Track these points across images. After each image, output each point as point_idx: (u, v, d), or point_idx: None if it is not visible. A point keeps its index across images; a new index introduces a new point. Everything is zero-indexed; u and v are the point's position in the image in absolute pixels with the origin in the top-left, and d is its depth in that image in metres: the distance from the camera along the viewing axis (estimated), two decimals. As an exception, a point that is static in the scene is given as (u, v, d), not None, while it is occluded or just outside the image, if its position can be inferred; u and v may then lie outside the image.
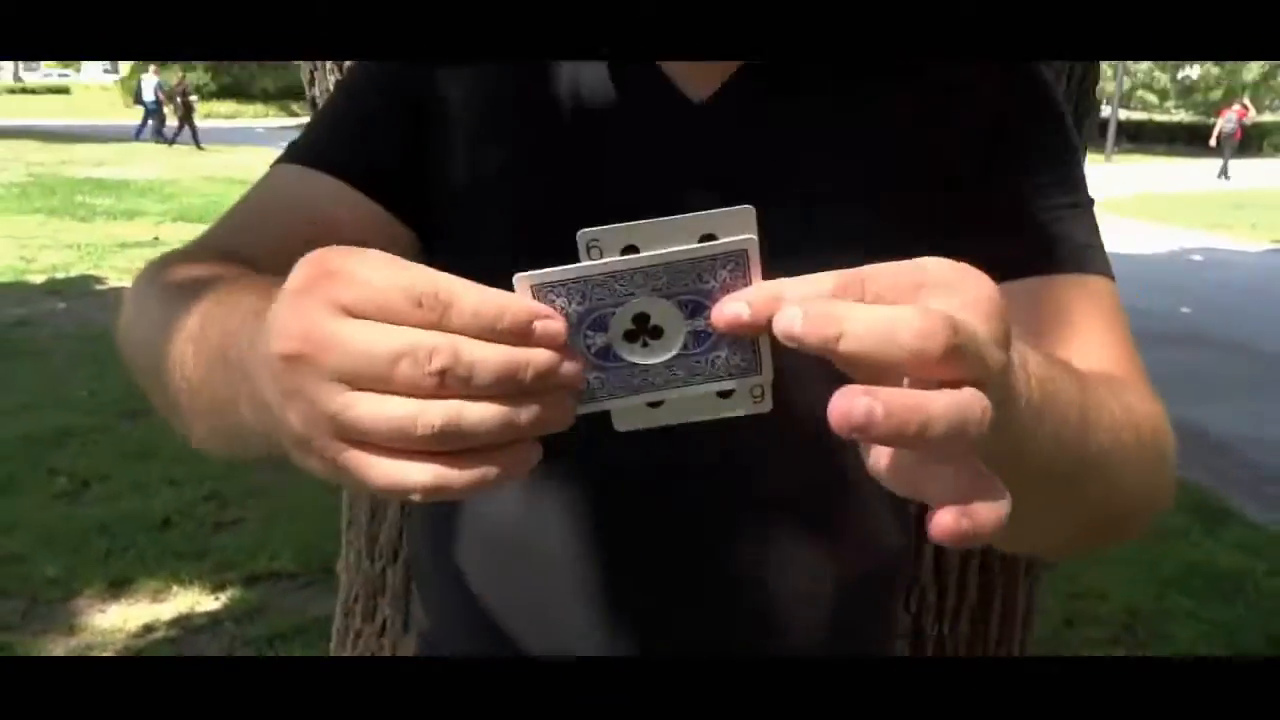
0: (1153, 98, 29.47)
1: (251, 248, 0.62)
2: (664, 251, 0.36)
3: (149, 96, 18.07)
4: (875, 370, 0.34)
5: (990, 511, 0.36)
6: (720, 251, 0.37)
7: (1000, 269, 0.38)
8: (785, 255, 0.40)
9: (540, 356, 0.35)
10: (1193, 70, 29.25)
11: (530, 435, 0.36)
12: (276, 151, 0.77)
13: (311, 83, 1.08)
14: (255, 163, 13.40)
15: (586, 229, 0.37)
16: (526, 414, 0.35)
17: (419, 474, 0.34)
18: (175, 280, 0.57)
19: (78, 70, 49.31)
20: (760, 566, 0.66)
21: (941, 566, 1.20)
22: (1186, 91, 29.37)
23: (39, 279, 6.43)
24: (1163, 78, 28.93)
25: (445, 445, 0.34)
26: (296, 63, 1.11)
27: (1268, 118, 27.95)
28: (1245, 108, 22.60)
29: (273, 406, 0.37)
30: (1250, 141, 23.17)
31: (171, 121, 18.16)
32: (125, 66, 35.32)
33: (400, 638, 1.33)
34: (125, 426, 3.74)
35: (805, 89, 0.65)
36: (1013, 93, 0.66)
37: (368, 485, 0.35)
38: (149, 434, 3.54)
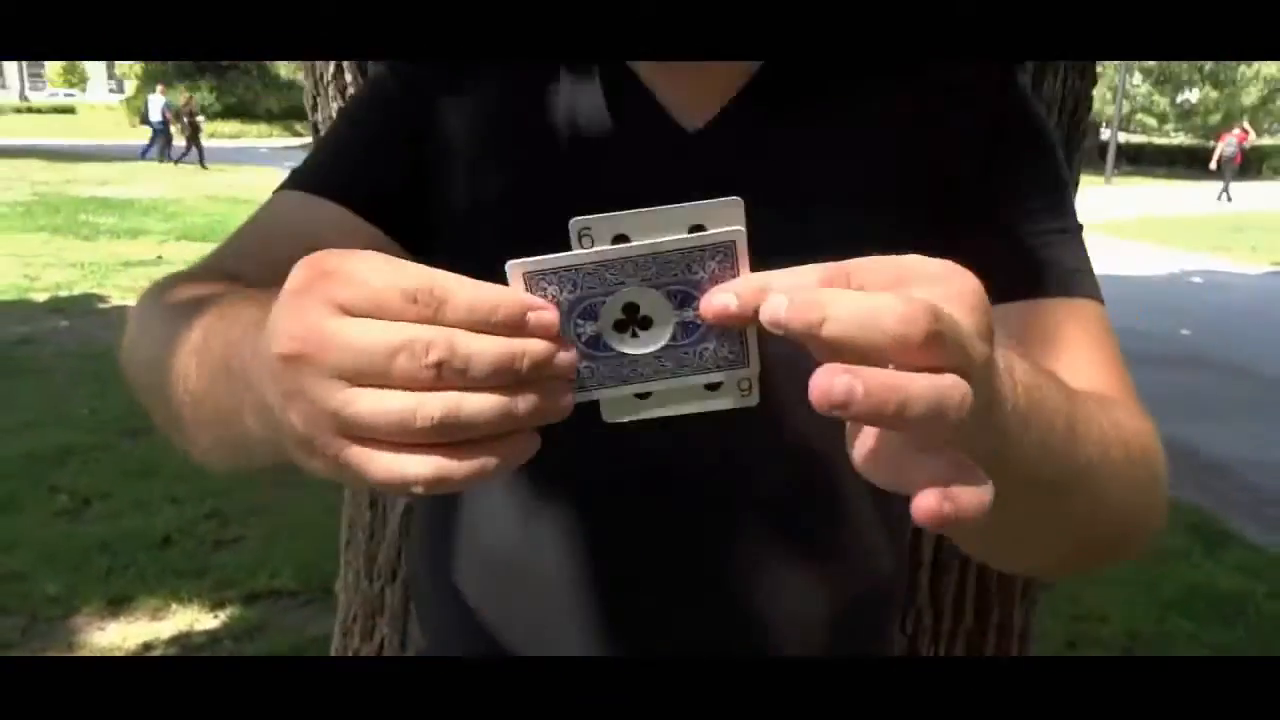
0: (1152, 121, 29.56)
1: (254, 272, 0.63)
2: (653, 241, 0.37)
3: (155, 117, 18.19)
4: (859, 357, 0.34)
5: (972, 496, 0.36)
6: (709, 243, 0.37)
7: (989, 293, 0.39)
8: None
9: (535, 347, 0.36)
10: (1191, 94, 29.38)
11: (528, 425, 0.36)
12: (280, 171, 0.79)
13: (314, 108, 1.10)
14: (259, 182, 13.48)
15: (578, 217, 0.37)
16: (524, 403, 0.35)
17: (420, 466, 0.35)
18: (178, 299, 0.58)
19: (83, 90, 49.60)
20: (754, 593, 0.66)
21: (937, 589, 1.21)
22: (1185, 115, 29.47)
23: (42, 297, 6.44)
24: (1162, 101, 29.03)
25: (445, 436, 0.35)
26: (300, 85, 1.13)
27: (1266, 141, 28.04)
28: (1245, 131, 22.67)
29: (275, 409, 0.38)
30: (1250, 165, 23.23)
31: (178, 141, 18.27)
32: (130, 86, 35.50)
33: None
34: (127, 444, 3.74)
35: (799, 118, 0.66)
36: (1004, 120, 0.67)
37: (370, 480, 0.36)
38: (150, 452, 3.54)
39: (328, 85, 1.03)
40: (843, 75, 0.66)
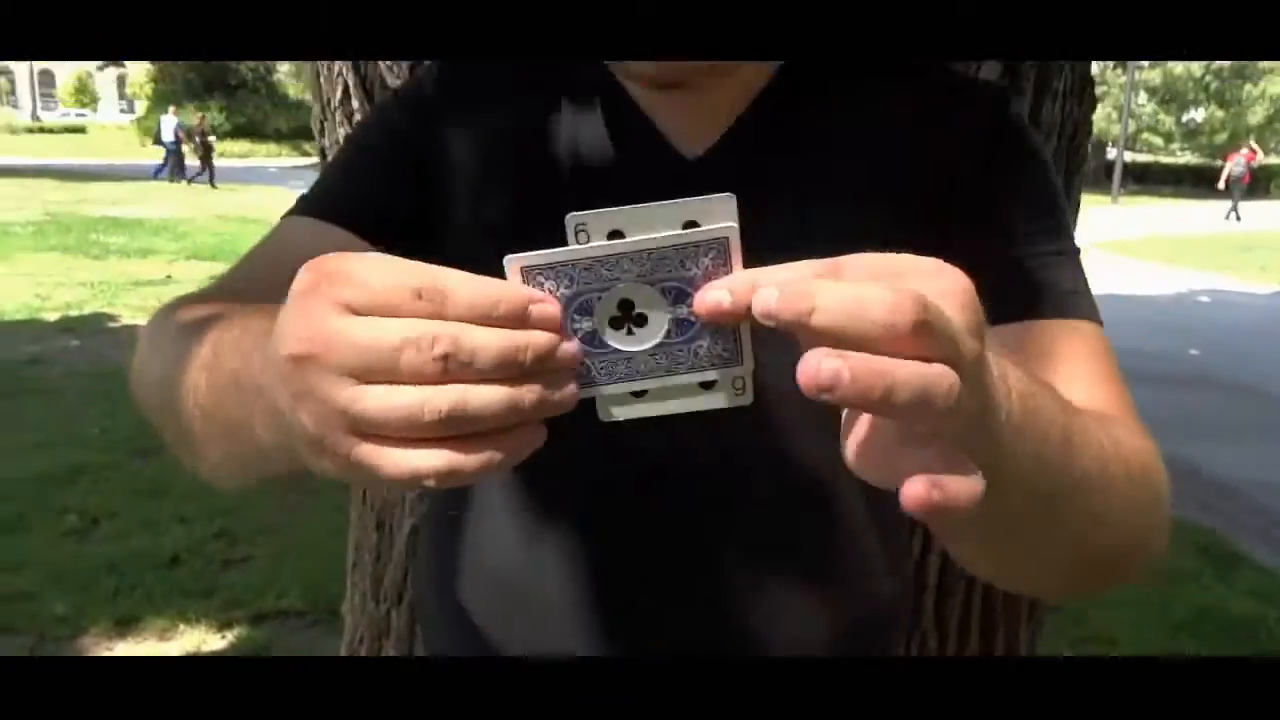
0: (1158, 140, 29.58)
1: (261, 297, 0.64)
2: (648, 237, 0.38)
3: (168, 137, 18.41)
4: (848, 347, 0.34)
5: (962, 485, 0.36)
6: (703, 239, 0.38)
7: (986, 312, 0.40)
8: None
9: (538, 338, 0.36)
10: (1197, 113, 29.40)
11: (534, 417, 0.37)
12: (289, 190, 0.80)
13: (322, 132, 1.12)
14: (268, 202, 13.58)
15: (575, 213, 0.38)
16: (530, 395, 0.36)
17: (430, 459, 0.36)
18: (187, 319, 0.59)
19: (95, 110, 50.04)
20: (753, 616, 0.67)
21: (942, 612, 1.21)
22: (1191, 134, 29.49)
23: (53, 316, 6.48)
24: (1167, 120, 29.06)
25: (453, 430, 0.35)
26: (309, 104, 1.15)
27: (1274, 160, 28.03)
28: (1253, 150, 22.67)
29: (285, 412, 0.39)
30: (1257, 184, 23.21)
31: (191, 161, 18.47)
32: (141, 107, 35.80)
33: (404, 679, 1.33)
34: (136, 464, 3.75)
35: (797, 145, 0.67)
36: (999, 144, 0.68)
37: (382, 477, 0.36)
38: (160, 471, 3.55)
39: (335, 111, 1.05)
40: (838, 100, 0.67)
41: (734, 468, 0.66)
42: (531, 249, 0.38)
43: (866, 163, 0.66)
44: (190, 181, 17.72)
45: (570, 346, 0.38)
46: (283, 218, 0.73)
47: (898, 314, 0.34)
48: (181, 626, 2.65)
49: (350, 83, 1.01)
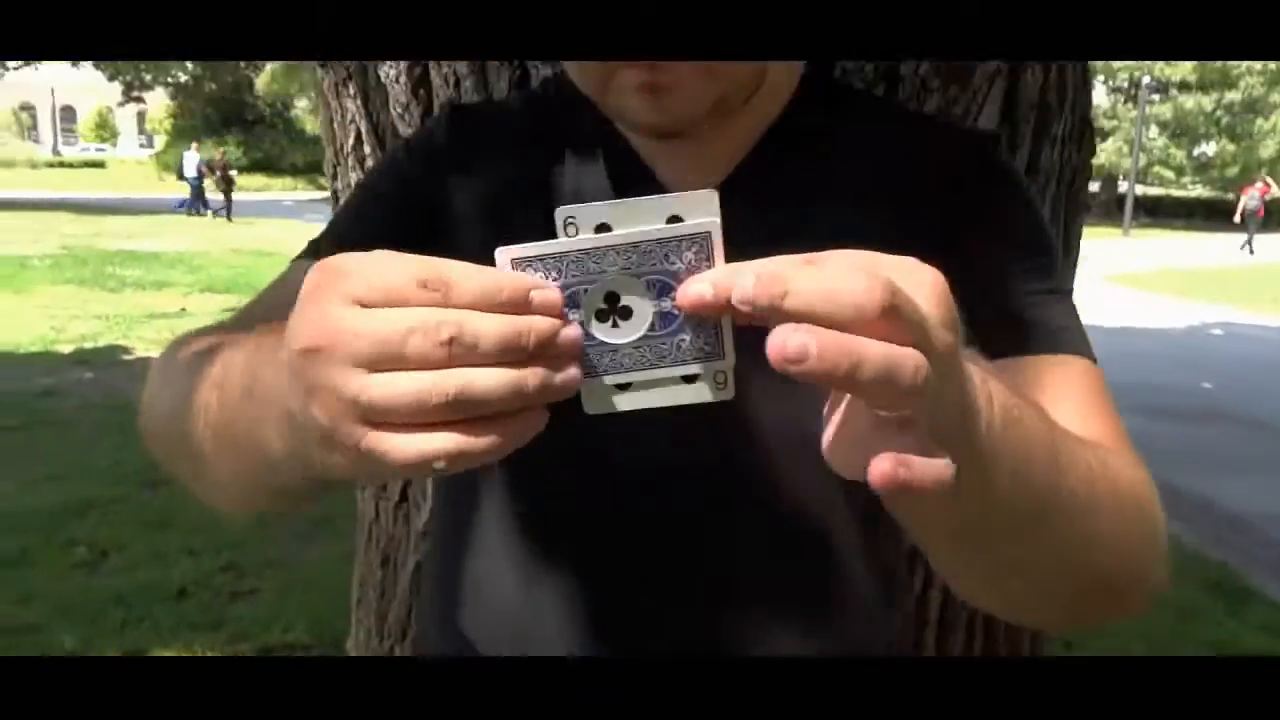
0: (1169, 173, 29.58)
1: None
2: (633, 230, 0.39)
3: (190, 173, 18.78)
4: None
5: (929, 467, 0.37)
6: (685, 233, 0.39)
7: (978, 351, 0.40)
8: None
9: (540, 323, 0.38)
10: (1208, 147, 29.42)
11: (538, 401, 0.38)
12: (304, 224, 0.81)
13: (334, 176, 1.14)
14: (283, 235, 13.68)
15: (564, 206, 0.40)
16: (534, 378, 0.37)
17: (440, 442, 0.37)
18: (198, 347, 0.61)
19: (114, 145, 50.72)
20: (758, 643, 0.68)
21: (944, 648, 1.20)
22: (1203, 168, 29.48)
23: (67, 349, 6.53)
24: (1178, 154, 29.07)
25: (461, 413, 0.37)
26: (323, 143, 1.18)
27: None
28: (1267, 184, 22.66)
29: (296, 413, 0.40)
30: (1270, 217, 23.16)
31: (214, 195, 18.86)
32: (160, 141, 36.28)
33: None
34: (146, 495, 3.76)
35: (792, 196, 0.68)
36: (990, 185, 0.69)
37: (391, 463, 0.38)
38: (169, 503, 3.57)
39: (347, 156, 1.08)
40: (835, 149, 0.69)
41: (730, 509, 0.67)
42: None
43: (863, 211, 0.67)
44: (215, 214, 18.08)
45: (571, 331, 0.39)
46: (292, 261, 0.74)
47: (867, 298, 0.35)
48: (189, 660, 2.66)
49: (363, 129, 1.04)
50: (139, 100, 36.72)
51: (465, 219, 0.71)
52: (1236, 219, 20.73)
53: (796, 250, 0.41)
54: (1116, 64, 28.59)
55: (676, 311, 0.40)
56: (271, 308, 0.72)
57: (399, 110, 0.99)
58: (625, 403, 0.42)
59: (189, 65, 26.90)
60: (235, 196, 19.05)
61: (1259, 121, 27.97)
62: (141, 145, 49.94)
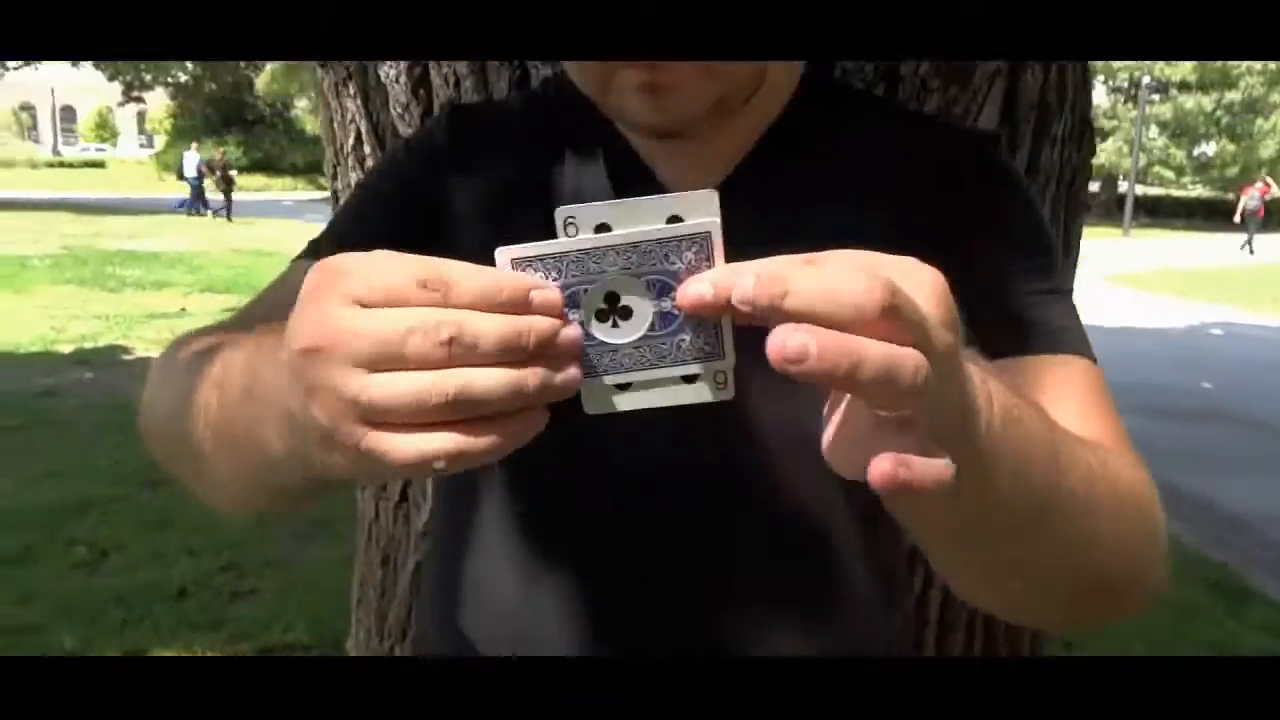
0: (1169, 174, 29.59)
1: None
2: (633, 230, 0.39)
3: (190, 173, 18.81)
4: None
5: (929, 467, 0.37)
6: (685, 233, 0.39)
7: (978, 351, 0.40)
8: None
9: (540, 323, 0.38)
10: (1208, 147, 29.42)
11: (538, 401, 0.38)
12: (303, 224, 0.81)
13: (334, 176, 1.14)
14: (283, 235, 13.68)
15: (564, 206, 0.40)
16: (534, 378, 0.37)
17: (440, 442, 0.37)
18: (198, 347, 0.61)
19: (114, 145, 50.74)
20: (758, 643, 0.68)
21: (944, 649, 1.20)
22: (1203, 168, 29.48)
23: (67, 349, 6.53)
24: (1178, 154, 29.07)
25: (461, 413, 0.37)
26: (323, 143, 1.18)
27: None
28: (1267, 184, 22.68)
29: (296, 412, 0.40)
30: (1270, 217, 23.18)
31: (214, 195, 18.91)
32: (160, 141, 36.30)
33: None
34: (146, 495, 3.77)
35: (792, 196, 0.68)
36: (990, 185, 0.69)
37: (391, 463, 0.37)
38: (169, 502, 3.57)
39: (347, 156, 1.08)
40: (835, 149, 0.69)
41: (730, 509, 0.67)
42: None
43: (863, 211, 0.67)
44: (215, 214, 18.11)
45: (571, 331, 0.39)
46: (292, 261, 0.74)
47: (867, 297, 0.35)
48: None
49: (363, 129, 1.04)
50: (139, 100, 36.73)
51: (465, 219, 0.71)
52: (1237, 219, 20.75)
53: (796, 250, 0.41)
54: (1116, 64, 28.59)
55: (676, 311, 0.40)
56: (271, 308, 0.72)
57: (399, 110, 0.99)
58: (625, 403, 0.42)
59: (189, 65, 26.92)
60: (235, 196, 19.09)
61: (1259, 121, 27.98)
62: (141, 145, 49.96)
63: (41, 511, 3.62)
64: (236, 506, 0.62)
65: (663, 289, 0.40)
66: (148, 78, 28.92)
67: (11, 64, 23.04)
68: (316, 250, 0.73)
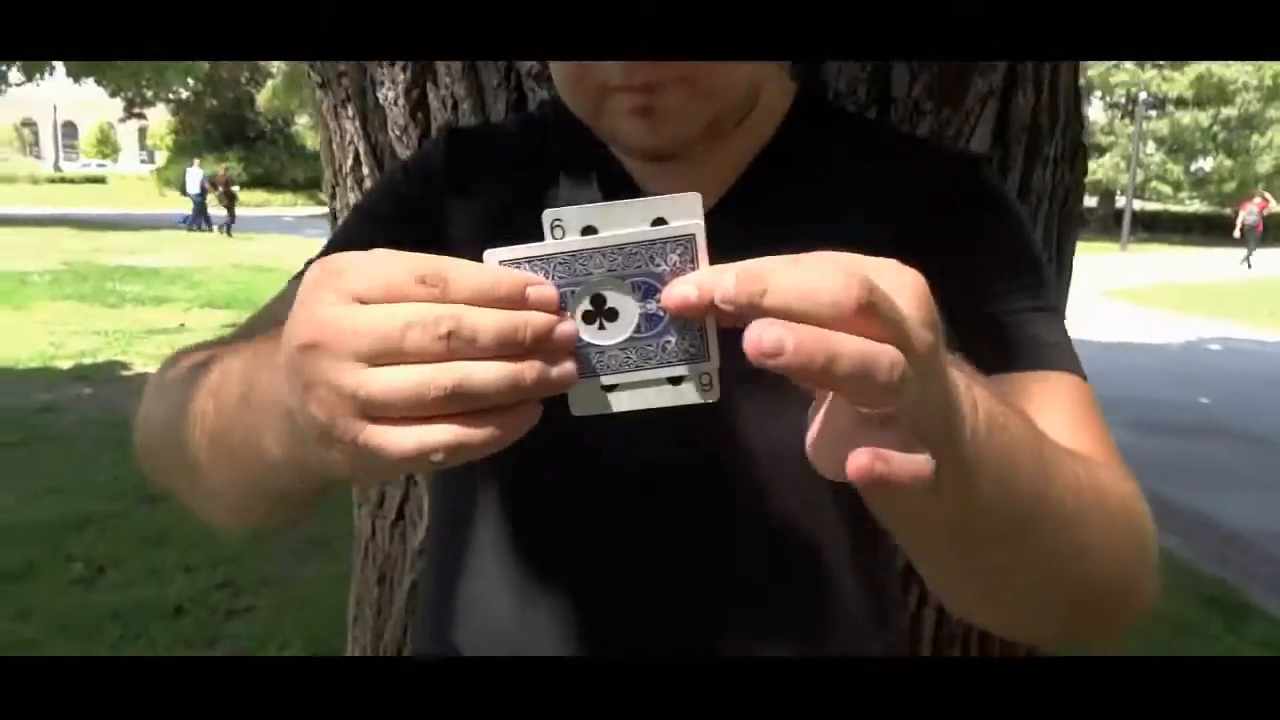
0: (1166, 189, 29.68)
1: None
2: (619, 233, 0.40)
3: (193, 189, 18.91)
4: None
5: (907, 461, 0.38)
6: (670, 236, 0.40)
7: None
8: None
9: (537, 318, 0.38)
10: (1205, 162, 29.52)
11: (534, 395, 0.39)
12: (304, 239, 0.82)
13: (333, 196, 1.15)
14: (282, 250, 13.71)
15: (551, 209, 0.40)
16: (530, 371, 0.38)
17: (438, 434, 0.37)
18: (193, 361, 0.61)
19: (115, 160, 50.86)
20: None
21: (941, 667, 1.20)
22: (1200, 183, 29.58)
23: (67, 364, 6.53)
24: (1175, 169, 29.16)
25: (458, 406, 0.37)
26: (323, 164, 1.19)
27: (1278, 208, 28.08)
28: (1265, 199, 22.75)
29: (295, 411, 0.40)
30: (1267, 232, 23.24)
31: (216, 210, 19.04)
32: (162, 157, 36.40)
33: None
34: (144, 511, 3.76)
35: (783, 219, 0.69)
36: (978, 206, 0.70)
37: (389, 457, 0.38)
38: (167, 519, 3.56)
39: (346, 176, 1.09)
40: (825, 171, 0.69)
41: (724, 529, 0.67)
42: None
43: (853, 231, 0.68)
44: (220, 229, 18.16)
45: (567, 326, 0.39)
46: (290, 280, 0.75)
47: (845, 294, 0.35)
48: (186, 677, 2.65)
49: (361, 150, 1.05)
50: (140, 116, 36.88)
51: (462, 240, 0.72)
52: (1236, 234, 20.78)
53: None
54: (1114, 79, 28.75)
55: (662, 313, 0.41)
56: (269, 324, 0.72)
57: (397, 132, 1.00)
58: (612, 404, 0.42)
59: (190, 81, 26.99)
60: (236, 212, 19.16)
61: (1255, 137, 28.08)
62: (143, 161, 50.06)
63: (41, 527, 3.62)
64: (232, 518, 0.62)
65: (648, 291, 0.41)
66: (149, 94, 29.04)
67: (14, 80, 23.12)
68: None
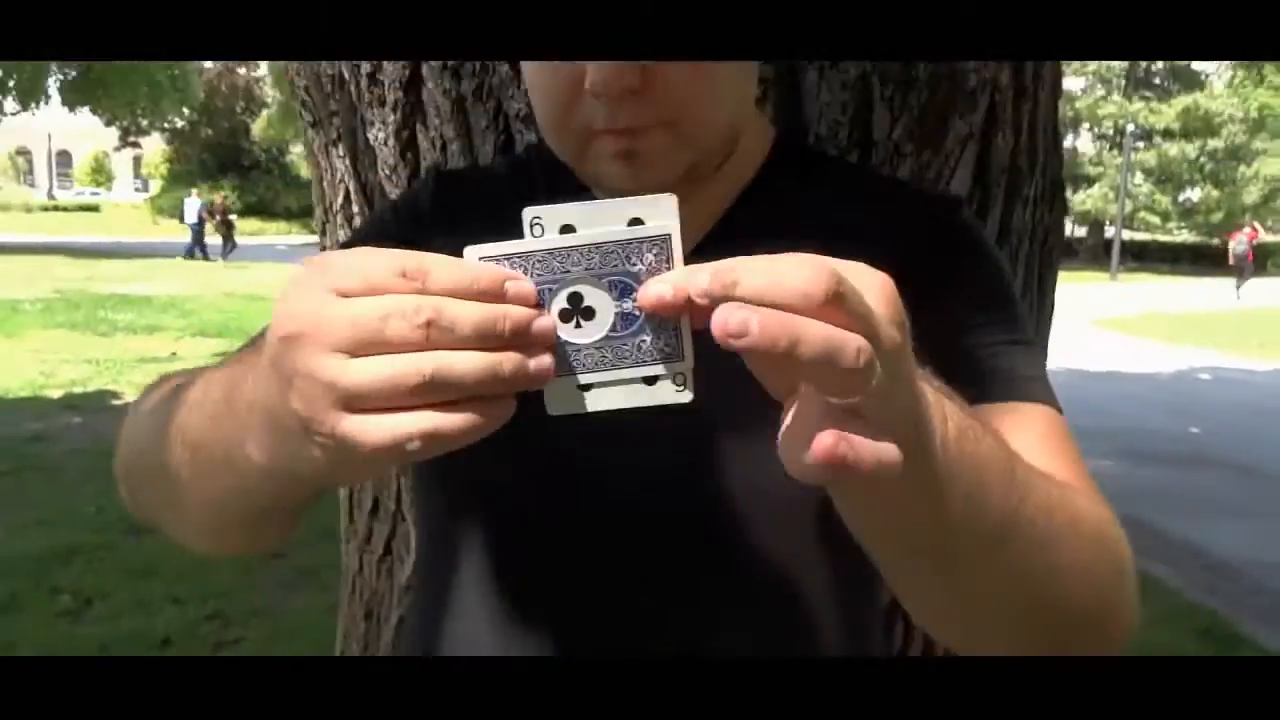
0: (1155, 219, 29.95)
1: None
2: (597, 231, 0.41)
3: (191, 218, 18.97)
4: None
5: (871, 449, 0.38)
6: (646, 236, 0.41)
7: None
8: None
9: (516, 311, 0.39)
10: (1193, 193, 29.82)
11: (512, 387, 0.39)
12: (296, 268, 0.82)
13: (323, 233, 1.16)
14: (276, 279, 13.69)
15: (531, 207, 0.41)
16: (508, 362, 0.38)
17: (414, 421, 0.38)
18: (175, 383, 0.62)
19: (109, 188, 50.95)
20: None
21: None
22: (1188, 213, 29.87)
23: (57, 393, 6.51)
24: (1164, 200, 29.45)
25: (436, 394, 0.38)
26: (314, 201, 1.20)
27: (1269, 238, 28.35)
28: (1255, 229, 22.95)
29: (276, 406, 0.41)
30: (1256, 261, 23.44)
31: (211, 239, 19.08)
32: (156, 186, 36.48)
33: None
34: (130, 542, 3.74)
35: (768, 254, 0.70)
36: (953, 244, 0.71)
37: (367, 447, 0.38)
38: (155, 550, 3.54)
39: (336, 214, 1.10)
40: (806, 209, 0.70)
41: (707, 585, 0.67)
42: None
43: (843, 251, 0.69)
44: (216, 258, 18.16)
45: (545, 320, 0.40)
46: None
47: (813, 285, 0.37)
48: (172, 711, 2.62)
49: (351, 189, 1.06)
50: (135, 145, 37.00)
51: None
52: (1231, 262, 20.89)
53: None
54: (1101, 111, 29.08)
55: (637, 312, 0.41)
56: (258, 352, 0.73)
57: (386, 172, 1.01)
58: (588, 403, 0.43)
59: (185, 111, 27.10)
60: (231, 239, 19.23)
61: (1241, 168, 28.39)
62: (137, 189, 50.15)
63: (28, 559, 3.59)
64: (211, 541, 0.62)
65: (624, 290, 0.41)
66: (144, 123, 29.17)
67: (9, 109, 23.20)
68: None
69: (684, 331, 0.42)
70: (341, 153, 1.06)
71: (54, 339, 8.58)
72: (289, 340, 0.39)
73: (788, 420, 0.41)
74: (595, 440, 0.58)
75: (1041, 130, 1.06)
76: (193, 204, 19.46)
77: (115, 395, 6.54)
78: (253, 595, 3.31)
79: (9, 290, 11.57)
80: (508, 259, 0.41)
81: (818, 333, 0.36)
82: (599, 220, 0.41)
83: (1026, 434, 0.61)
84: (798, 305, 0.37)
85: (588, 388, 0.42)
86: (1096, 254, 27.92)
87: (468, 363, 0.38)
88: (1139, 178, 29.42)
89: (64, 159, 57.90)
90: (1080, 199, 28.23)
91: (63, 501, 4.27)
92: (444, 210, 0.76)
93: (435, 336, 0.37)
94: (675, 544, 0.66)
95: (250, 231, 28.01)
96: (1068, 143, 30.73)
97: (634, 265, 0.41)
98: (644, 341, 0.42)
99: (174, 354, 8.01)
